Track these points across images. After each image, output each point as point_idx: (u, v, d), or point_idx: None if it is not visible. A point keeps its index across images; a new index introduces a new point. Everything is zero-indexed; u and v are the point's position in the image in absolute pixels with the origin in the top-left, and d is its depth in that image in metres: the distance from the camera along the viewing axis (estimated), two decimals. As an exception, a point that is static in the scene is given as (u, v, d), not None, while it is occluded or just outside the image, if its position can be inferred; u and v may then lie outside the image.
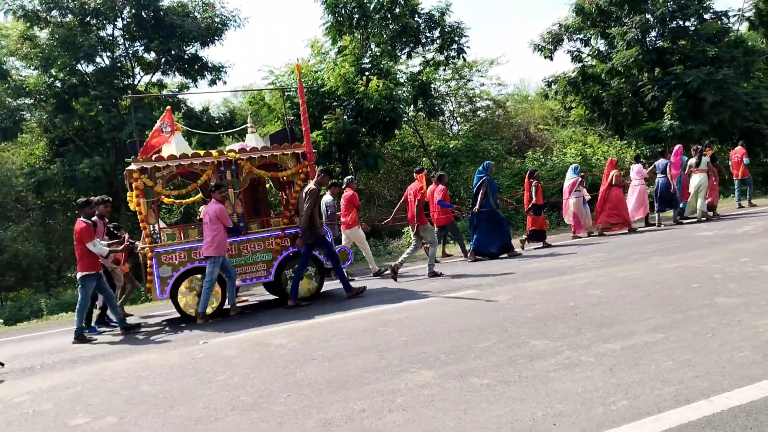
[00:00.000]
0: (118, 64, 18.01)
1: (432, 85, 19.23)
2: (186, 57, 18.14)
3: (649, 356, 4.04)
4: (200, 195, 9.04)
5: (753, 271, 6.38)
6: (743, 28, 21.74)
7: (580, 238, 11.88)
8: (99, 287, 7.35)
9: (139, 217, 7.66)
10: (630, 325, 4.85)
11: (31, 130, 18.89)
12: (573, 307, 5.70)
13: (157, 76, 19.12)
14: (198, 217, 9.08)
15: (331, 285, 9.20)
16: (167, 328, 7.51)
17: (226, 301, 7.65)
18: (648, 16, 18.83)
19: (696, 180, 12.35)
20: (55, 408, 4.52)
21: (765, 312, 4.80)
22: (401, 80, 17.95)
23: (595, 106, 20.51)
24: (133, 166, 7.50)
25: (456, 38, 18.12)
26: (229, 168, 7.88)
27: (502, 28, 69.20)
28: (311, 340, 5.68)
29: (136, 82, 18.48)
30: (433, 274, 9.01)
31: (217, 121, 18.78)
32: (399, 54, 18.60)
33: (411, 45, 18.40)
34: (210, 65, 18.55)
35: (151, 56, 18.45)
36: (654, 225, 12.27)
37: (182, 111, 18.07)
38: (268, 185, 10.25)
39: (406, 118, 18.76)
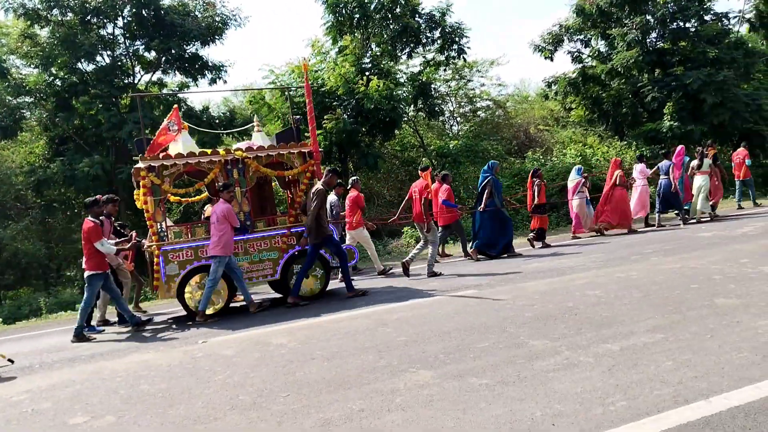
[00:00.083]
0: (119, 63, 18.01)
1: (432, 85, 19.21)
2: (186, 56, 18.14)
3: (648, 357, 4.05)
4: (206, 194, 9.05)
5: (752, 272, 6.39)
6: (743, 29, 21.74)
7: (579, 238, 11.90)
8: (105, 287, 7.38)
9: (146, 215, 7.69)
10: (629, 326, 4.85)
11: (31, 129, 18.89)
12: (572, 308, 5.70)
13: (158, 75, 19.14)
14: (204, 216, 9.10)
15: (332, 284, 9.19)
16: (173, 326, 7.49)
17: (232, 301, 7.63)
18: (648, 17, 18.84)
19: (698, 182, 12.41)
20: (54, 407, 4.52)
21: (764, 313, 4.81)
22: (401, 80, 17.94)
23: (595, 106, 20.51)
24: (140, 164, 7.52)
25: (456, 38, 18.10)
26: (236, 166, 7.91)
27: (502, 28, 69.29)
28: (311, 340, 5.68)
29: (136, 81, 18.48)
30: (433, 274, 9.01)
31: (217, 121, 18.79)
32: (399, 54, 18.58)
33: (411, 45, 18.38)
34: (210, 64, 18.55)
35: (152, 55, 18.45)
36: (653, 225, 12.28)
37: (182, 110, 18.06)
38: (274, 184, 10.27)
39: (406, 118, 18.75)
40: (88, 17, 16.65)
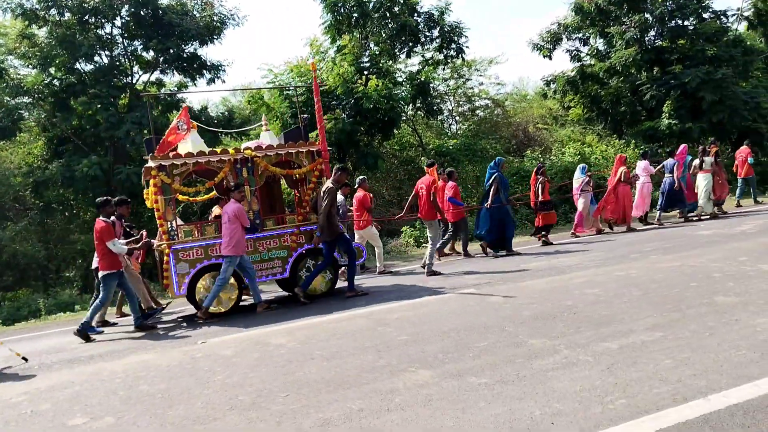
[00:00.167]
0: (117, 63, 17.97)
1: (431, 84, 19.21)
2: (185, 56, 18.09)
3: (647, 355, 4.05)
4: (214, 193, 9.05)
5: (751, 270, 6.40)
6: (742, 27, 21.77)
7: (579, 236, 11.90)
8: (121, 284, 7.41)
9: (156, 214, 7.71)
10: (628, 324, 4.86)
11: (30, 129, 18.84)
12: (571, 306, 5.70)
13: (156, 74, 19.09)
14: (212, 216, 9.11)
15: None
16: (173, 326, 7.50)
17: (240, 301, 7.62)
18: (647, 15, 18.85)
19: (701, 181, 12.43)
20: (54, 408, 4.52)
21: (763, 311, 4.81)
22: (400, 79, 17.92)
23: (594, 105, 20.53)
24: (151, 163, 7.53)
25: (455, 37, 18.10)
26: (246, 165, 7.92)
27: (500, 27, 69.27)
28: (310, 340, 5.68)
29: (134, 81, 18.45)
30: (432, 273, 9.01)
31: (215, 121, 18.76)
32: (398, 53, 18.57)
33: (410, 44, 18.37)
34: (209, 64, 18.51)
35: (150, 55, 18.40)
36: (652, 223, 12.30)
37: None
38: (282, 183, 10.28)
39: (405, 118, 18.74)
40: (86, 17, 16.59)
